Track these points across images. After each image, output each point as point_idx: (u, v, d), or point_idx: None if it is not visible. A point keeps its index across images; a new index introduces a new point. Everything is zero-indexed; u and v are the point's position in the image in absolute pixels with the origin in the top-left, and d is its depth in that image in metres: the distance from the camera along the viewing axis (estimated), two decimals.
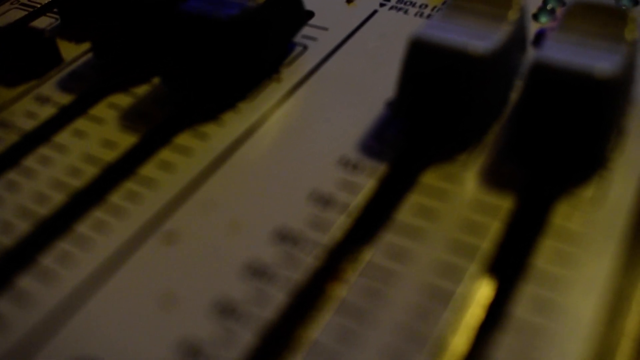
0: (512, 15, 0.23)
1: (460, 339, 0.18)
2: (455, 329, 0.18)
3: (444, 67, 0.21)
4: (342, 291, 0.19)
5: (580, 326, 0.18)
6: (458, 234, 0.20)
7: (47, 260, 0.20)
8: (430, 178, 0.22)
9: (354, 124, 0.24)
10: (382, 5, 0.31)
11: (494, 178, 0.22)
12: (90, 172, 0.23)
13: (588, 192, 0.21)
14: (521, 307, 0.18)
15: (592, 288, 0.18)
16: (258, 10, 0.24)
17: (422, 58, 0.22)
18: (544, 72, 0.20)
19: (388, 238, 0.20)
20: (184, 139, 0.24)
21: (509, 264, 0.19)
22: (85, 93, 0.27)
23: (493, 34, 0.22)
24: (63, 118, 0.26)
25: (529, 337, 0.17)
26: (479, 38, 0.22)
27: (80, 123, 0.25)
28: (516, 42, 0.23)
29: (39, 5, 0.33)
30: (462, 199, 0.21)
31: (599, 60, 0.20)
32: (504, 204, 0.21)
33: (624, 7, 0.23)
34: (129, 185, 0.22)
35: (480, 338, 0.18)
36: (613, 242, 0.20)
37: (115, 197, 0.22)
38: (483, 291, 0.19)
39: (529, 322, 0.18)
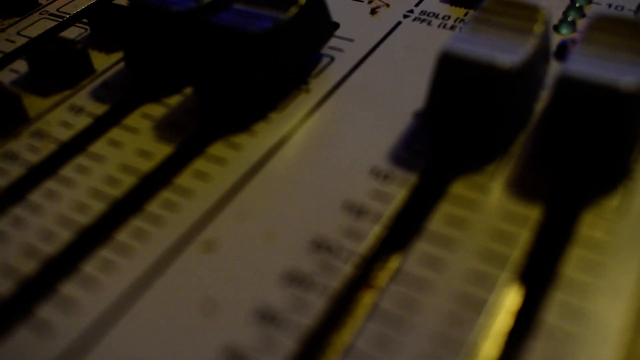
0: (538, 28, 0.24)
1: (493, 346, 0.18)
2: (488, 335, 0.18)
3: (473, 79, 0.22)
4: (377, 299, 0.19)
5: (609, 333, 0.18)
6: (488, 242, 0.21)
7: (90, 268, 0.21)
8: (459, 188, 0.22)
9: (383, 134, 0.25)
10: (405, 16, 0.31)
11: (521, 188, 0.22)
12: (128, 181, 0.24)
13: (613, 202, 0.21)
14: (551, 315, 0.19)
15: (619, 296, 0.19)
16: (289, 23, 0.25)
17: (451, 71, 0.22)
18: (570, 86, 0.21)
19: (420, 247, 0.21)
20: (217, 149, 0.25)
21: (539, 272, 0.20)
22: (119, 103, 0.27)
23: (520, 47, 0.23)
24: (98, 128, 0.26)
25: (559, 344, 0.18)
26: (506, 51, 0.22)
27: (115, 133, 0.26)
28: (541, 54, 0.24)
29: (67, 16, 0.33)
30: (491, 208, 0.22)
31: (625, 74, 0.21)
32: (532, 213, 0.21)
33: None
34: (166, 194, 0.23)
35: (512, 344, 0.18)
36: (639, 250, 0.20)
37: (154, 206, 0.23)
38: (514, 299, 0.19)
39: (559, 329, 0.18)
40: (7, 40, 0.32)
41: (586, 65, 0.22)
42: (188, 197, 0.23)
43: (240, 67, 0.25)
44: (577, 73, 0.21)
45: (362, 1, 0.32)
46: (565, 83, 0.21)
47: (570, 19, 0.30)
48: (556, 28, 0.29)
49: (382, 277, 0.20)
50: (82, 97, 0.28)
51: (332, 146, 0.25)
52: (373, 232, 0.21)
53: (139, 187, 0.23)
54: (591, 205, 0.21)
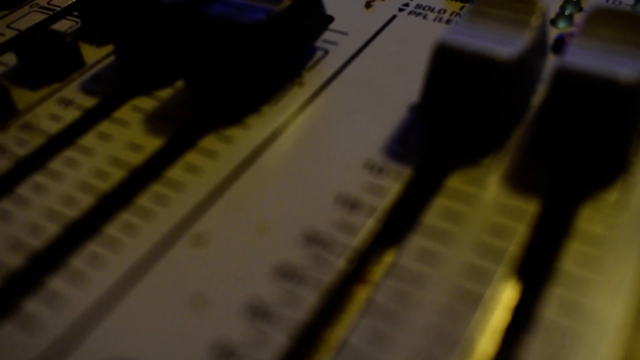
0: (535, 20, 0.23)
1: (489, 341, 0.18)
2: (484, 331, 0.18)
3: (469, 72, 0.22)
4: (371, 293, 0.19)
5: (608, 328, 0.18)
6: (485, 237, 0.20)
7: (78, 262, 0.21)
8: (455, 182, 0.22)
9: (377, 127, 0.24)
10: (400, 10, 0.31)
11: (518, 182, 0.22)
12: (117, 175, 0.23)
13: (612, 195, 0.21)
14: (549, 310, 0.18)
15: (618, 290, 0.19)
16: (282, 15, 0.25)
17: (447, 63, 0.22)
18: (568, 78, 0.21)
19: (416, 241, 0.20)
20: (209, 142, 0.24)
21: (536, 267, 0.19)
22: (109, 96, 0.27)
23: (517, 39, 0.22)
24: (88, 121, 0.26)
25: (557, 339, 0.18)
26: (503, 43, 0.22)
27: (105, 126, 0.25)
28: (538, 47, 0.24)
29: (58, 9, 0.33)
30: (487, 202, 0.21)
31: (622, 66, 0.21)
32: (529, 207, 0.21)
33: None
34: (157, 188, 0.23)
35: (509, 340, 0.18)
36: (637, 244, 0.20)
37: (143, 200, 0.22)
38: (511, 293, 0.19)
39: (556, 324, 0.18)
40: None
41: (584, 57, 0.21)
42: (179, 191, 0.22)
43: (232, 60, 0.24)
44: (575, 65, 0.21)
45: None
46: (563, 75, 0.21)
47: (567, 12, 0.29)
48: (553, 22, 0.29)
49: (377, 271, 0.20)
50: (71, 90, 0.27)
51: (325, 139, 0.24)
52: (367, 226, 0.21)
53: (128, 180, 0.23)
54: (589, 199, 0.21)
